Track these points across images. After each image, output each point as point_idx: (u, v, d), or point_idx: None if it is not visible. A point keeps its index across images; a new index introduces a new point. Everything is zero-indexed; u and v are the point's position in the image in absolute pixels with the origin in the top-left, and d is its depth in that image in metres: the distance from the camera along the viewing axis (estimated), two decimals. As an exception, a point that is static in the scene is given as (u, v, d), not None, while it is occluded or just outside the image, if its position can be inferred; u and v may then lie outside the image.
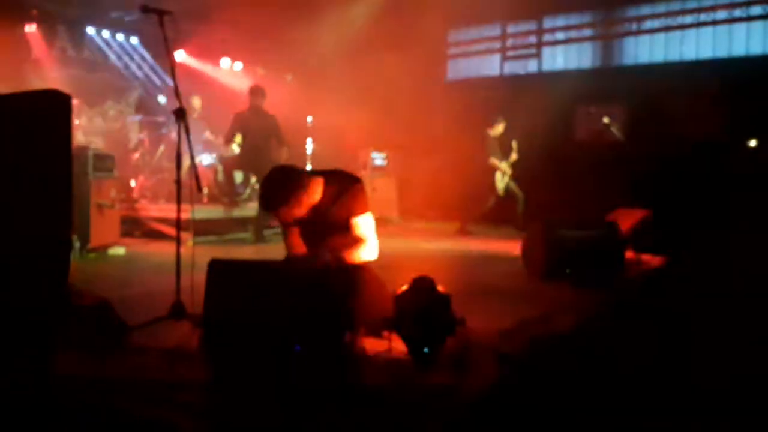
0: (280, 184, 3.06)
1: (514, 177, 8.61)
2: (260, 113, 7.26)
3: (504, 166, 8.52)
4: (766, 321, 3.77)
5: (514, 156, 8.55)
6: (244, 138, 7.20)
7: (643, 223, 6.18)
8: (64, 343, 2.61)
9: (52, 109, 2.34)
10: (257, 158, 7.17)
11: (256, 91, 7.29)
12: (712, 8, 8.89)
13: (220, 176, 8.06)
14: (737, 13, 8.70)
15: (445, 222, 9.34)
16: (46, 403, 2.30)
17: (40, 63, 8.23)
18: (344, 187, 3.23)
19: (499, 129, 8.56)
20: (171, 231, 6.49)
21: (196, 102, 8.42)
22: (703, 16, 8.96)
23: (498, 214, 8.65)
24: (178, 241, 3.73)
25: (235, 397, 2.50)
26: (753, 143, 8.05)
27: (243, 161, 7.51)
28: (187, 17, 7.77)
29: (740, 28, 8.74)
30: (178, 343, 3.11)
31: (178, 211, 3.74)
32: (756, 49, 8.58)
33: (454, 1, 9.59)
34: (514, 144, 8.56)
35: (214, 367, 2.80)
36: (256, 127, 7.19)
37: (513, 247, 6.13)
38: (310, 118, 11.51)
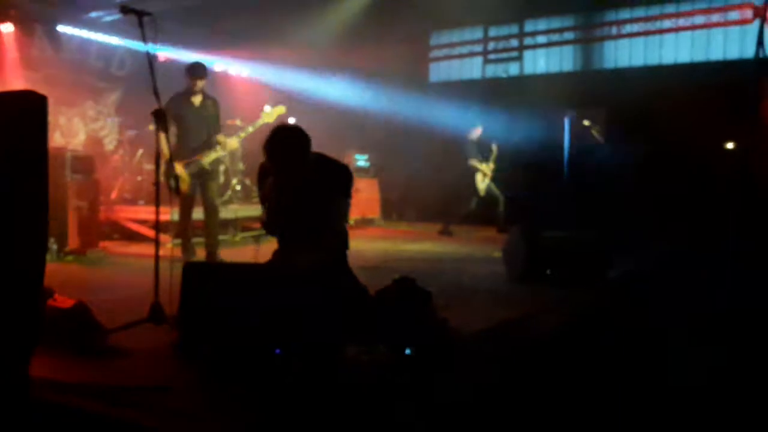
0: (291, 134, 3.27)
1: (494, 179, 8.68)
2: (197, 96, 5.95)
3: (485, 167, 8.60)
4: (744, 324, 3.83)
5: (492, 161, 8.64)
6: (178, 126, 5.88)
7: None
8: (39, 347, 2.57)
9: (27, 110, 2.31)
10: (190, 149, 5.87)
11: (193, 70, 5.90)
12: (690, 13, 9.03)
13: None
14: (715, 18, 8.84)
15: (427, 223, 9.37)
16: (22, 406, 2.26)
17: (18, 63, 8.11)
18: (334, 166, 3.46)
19: (477, 133, 8.65)
20: (150, 233, 6.43)
21: None
22: (682, 21, 9.09)
23: (479, 215, 8.70)
24: (157, 243, 3.69)
25: (213, 399, 2.48)
26: (730, 146, 8.17)
27: (176, 152, 5.66)
28: (168, 18, 7.69)
29: (718, 32, 8.88)
30: (156, 345, 3.09)
31: (157, 213, 3.71)
32: (733, 53, 8.73)
33: (436, 4, 9.62)
34: (494, 147, 8.64)
35: (193, 369, 2.78)
36: (191, 114, 5.92)
37: (494, 249, 6.17)
38: (292, 120, 11.46)
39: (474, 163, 8.52)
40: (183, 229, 5.94)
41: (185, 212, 5.89)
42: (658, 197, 7.69)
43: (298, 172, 3.31)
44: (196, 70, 5.91)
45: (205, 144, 5.93)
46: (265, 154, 3.31)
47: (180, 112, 5.83)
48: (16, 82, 7.60)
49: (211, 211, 5.97)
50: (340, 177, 3.49)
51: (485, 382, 2.76)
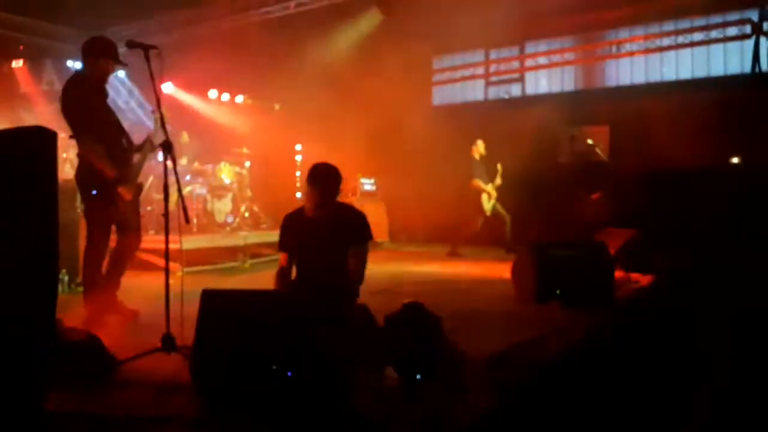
0: (335, 170, 3.76)
1: (499, 199, 8.69)
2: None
3: (489, 188, 8.60)
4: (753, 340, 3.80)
5: (498, 180, 8.65)
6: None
7: (632, 243, 6.23)
8: (53, 379, 2.58)
9: (38, 145, 2.35)
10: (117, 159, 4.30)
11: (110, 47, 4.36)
12: (689, 30, 9.10)
13: (209, 205, 8.06)
14: (714, 34, 8.90)
15: (436, 245, 9.37)
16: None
17: (28, 98, 8.25)
18: (351, 213, 3.93)
19: (480, 149, 8.64)
20: (160, 262, 6.45)
21: (184, 138, 8.47)
22: (681, 38, 9.16)
23: (487, 236, 8.70)
24: (167, 272, 3.71)
25: (221, 428, 2.48)
26: (735, 160, 8.17)
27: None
28: (174, 50, 7.83)
29: (718, 48, 8.94)
30: (168, 376, 3.09)
31: (167, 242, 3.74)
32: (734, 68, 8.78)
33: (438, 29, 9.75)
34: (499, 167, 8.67)
35: (205, 399, 2.78)
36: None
37: (503, 270, 6.15)
38: (298, 146, 11.57)
39: (478, 183, 8.52)
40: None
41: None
42: (661, 213, 7.68)
43: (327, 207, 3.71)
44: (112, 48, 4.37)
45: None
46: (309, 179, 3.71)
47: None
48: (27, 116, 7.73)
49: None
50: (358, 223, 3.88)
51: (497, 407, 2.74)
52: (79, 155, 4.36)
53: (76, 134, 4.20)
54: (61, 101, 4.25)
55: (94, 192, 4.28)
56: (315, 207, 3.73)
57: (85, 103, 4.17)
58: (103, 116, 4.29)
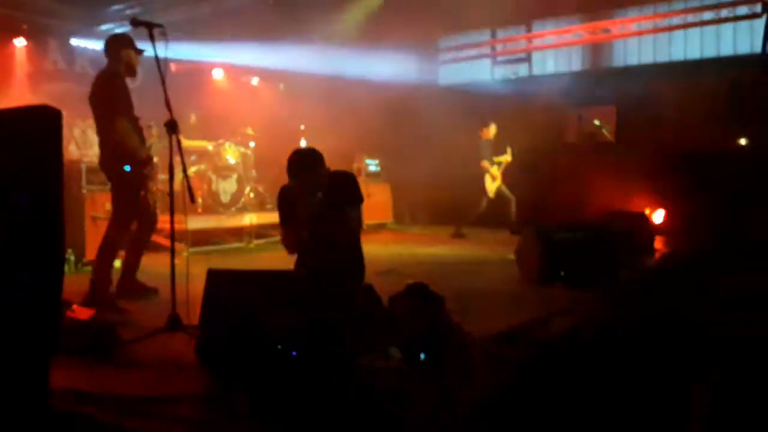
0: (311, 153, 3.76)
1: (505, 180, 8.66)
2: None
3: (494, 170, 8.57)
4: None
5: (509, 158, 8.60)
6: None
7: (638, 226, 6.23)
8: (59, 357, 2.61)
9: (43, 124, 2.34)
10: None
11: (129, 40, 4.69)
12: (699, 9, 8.96)
13: (214, 186, 8.06)
14: (724, 13, 8.76)
15: (440, 226, 9.37)
16: (43, 415, 2.30)
17: (32, 77, 8.22)
18: (342, 177, 3.87)
19: (491, 131, 8.63)
20: (166, 242, 6.48)
21: (192, 119, 8.47)
22: (690, 17, 9.03)
23: (491, 217, 8.69)
24: (173, 252, 3.73)
25: (233, 408, 2.50)
26: (743, 141, 8.10)
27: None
28: (178, 29, 7.77)
29: (727, 28, 8.80)
30: (173, 355, 3.12)
31: (172, 222, 3.75)
32: (744, 48, 8.65)
33: (444, 8, 9.63)
34: (509, 150, 8.63)
35: (211, 378, 2.80)
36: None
37: (507, 251, 6.15)
38: (302, 126, 11.53)
39: (485, 164, 8.52)
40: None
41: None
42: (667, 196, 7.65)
43: (314, 186, 3.66)
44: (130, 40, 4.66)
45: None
46: (289, 175, 3.68)
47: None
48: (31, 96, 7.70)
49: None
50: (348, 186, 3.81)
51: (500, 386, 2.75)
52: (103, 138, 4.52)
53: (113, 116, 4.40)
54: (94, 88, 4.54)
55: (127, 168, 4.40)
56: (309, 191, 3.71)
57: (119, 91, 4.51)
58: (131, 104, 4.59)
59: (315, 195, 3.69)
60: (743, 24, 8.65)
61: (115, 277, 4.60)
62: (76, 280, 5.20)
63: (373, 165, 10.08)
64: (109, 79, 4.53)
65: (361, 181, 9.32)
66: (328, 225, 3.69)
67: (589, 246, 5.14)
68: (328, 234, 3.68)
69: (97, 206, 6.18)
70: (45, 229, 2.32)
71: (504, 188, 8.64)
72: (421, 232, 9.57)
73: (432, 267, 6.11)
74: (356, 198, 3.81)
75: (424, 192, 9.71)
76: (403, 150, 9.91)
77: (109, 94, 4.45)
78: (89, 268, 5.91)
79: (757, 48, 8.32)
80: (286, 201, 3.81)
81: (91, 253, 5.98)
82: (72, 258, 5.83)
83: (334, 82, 9.93)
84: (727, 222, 6.58)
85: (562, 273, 5.00)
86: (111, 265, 4.50)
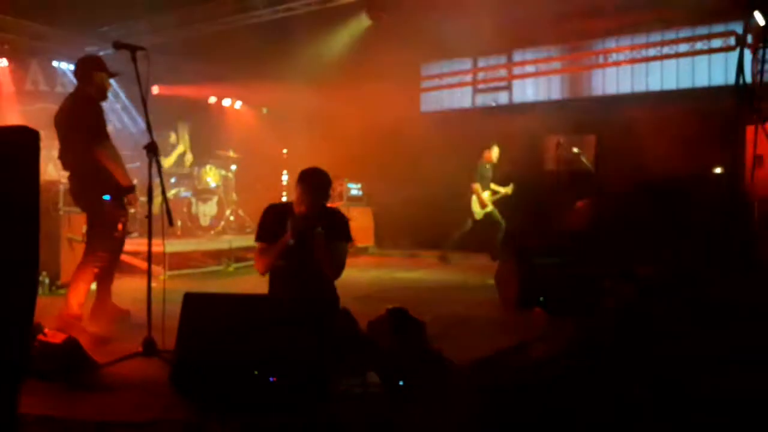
0: (327, 175, 3.75)
1: (497, 205, 8.64)
2: None
3: (487, 196, 8.53)
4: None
5: (509, 191, 8.58)
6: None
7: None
8: (30, 382, 2.55)
9: (20, 145, 2.32)
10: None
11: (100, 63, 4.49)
12: (675, 41, 9.21)
13: (194, 208, 8.02)
14: (699, 45, 9.02)
15: (421, 251, 9.38)
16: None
17: (12, 97, 8.17)
18: (336, 214, 3.84)
19: (494, 154, 8.57)
20: (143, 265, 6.41)
21: (184, 132, 8.42)
22: (666, 49, 9.27)
23: (474, 240, 8.68)
24: (150, 275, 3.69)
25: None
26: (718, 170, 8.27)
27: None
28: (162, 53, 7.79)
29: (702, 60, 9.05)
30: (149, 380, 3.06)
31: (149, 245, 3.71)
32: (718, 79, 8.89)
33: (426, 36, 9.78)
34: (512, 185, 8.59)
35: (186, 403, 2.75)
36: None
37: (487, 275, 6.17)
38: (285, 150, 11.55)
39: (476, 188, 8.44)
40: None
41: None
42: (645, 223, 7.74)
43: (315, 211, 3.61)
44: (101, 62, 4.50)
45: None
46: (301, 184, 3.66)
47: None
48: (11, 116, 7.64)
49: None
50: (341, 223, 3.77)
51: (479, 413, 2.74)
52: (74, 166, 4.29)
53: (93, 143, 4.15)
54: (67, 115, 4.28)
55: (107, 197, 4.21)
56: (306, 210, 3.63)
57: (97, 115, 4.25)
58: (105, 127, 4.33)
59: (314, 224, 3.61)
60: (718, 56, 8.90)
61: (90, 300, 4.50)
62: (49, 303, 5.11)
63: (355, 189, 10.10)
64: (83, 104, 4.29)
65: (343, 205, 9.42)
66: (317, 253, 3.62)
67: (569, 272, 5.16)
68: (316, 263, 3.61)
69: (74, 228, 6.10)
70: (19, 250, 2.28)
71: (497, 214, 8.58)
72: (402, 257, 9.57)
73: (412, 292, 6.10)
74: (346, 236, 3.78)
75: (405, 217, 9.74)
76: (385, 175, 9.96)
77: (88, 122, 4.19)
78: (63, 291, 5.83)
79: (731, 80, 8.54)
80: (275, 216, 3.69)
81: (66, 275, 5.88)
82: (46, 281, 5.73)
83: (317, 107, 9.99)
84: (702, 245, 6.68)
85: (542, 298, 5.01)
86: (86, 290, 4.35)
